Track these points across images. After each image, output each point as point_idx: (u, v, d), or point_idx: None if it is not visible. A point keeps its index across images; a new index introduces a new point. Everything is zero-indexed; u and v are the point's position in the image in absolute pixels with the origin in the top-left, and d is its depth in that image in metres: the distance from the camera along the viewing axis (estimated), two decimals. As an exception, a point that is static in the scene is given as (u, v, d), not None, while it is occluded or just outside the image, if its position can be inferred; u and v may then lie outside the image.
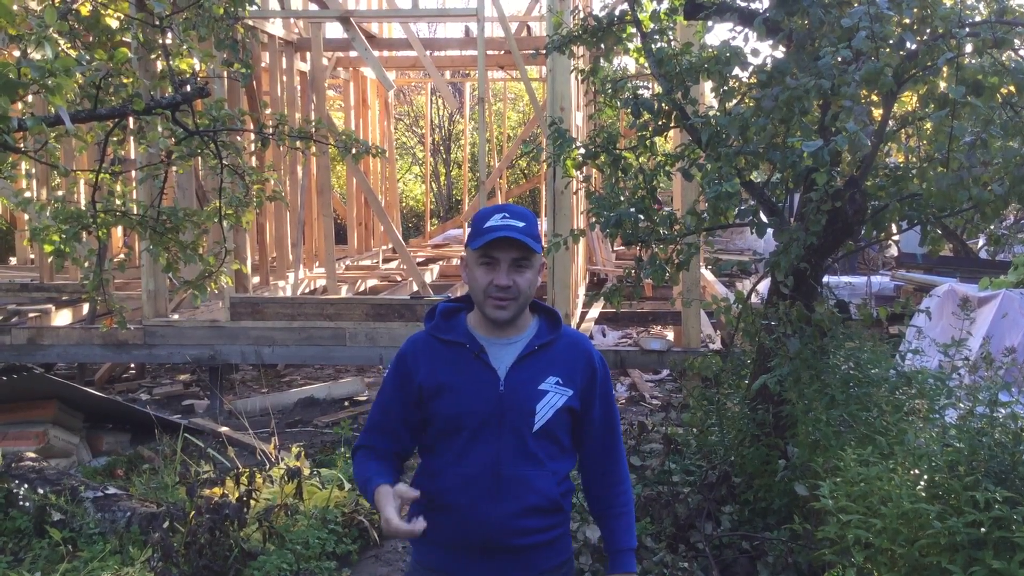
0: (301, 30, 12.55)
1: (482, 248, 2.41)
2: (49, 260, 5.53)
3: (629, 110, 6.00)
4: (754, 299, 6.35)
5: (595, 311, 10.56)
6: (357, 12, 10.66)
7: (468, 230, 2.56)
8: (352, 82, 15.36)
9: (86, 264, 5.58)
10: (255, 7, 7.80)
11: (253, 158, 8.99)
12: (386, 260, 16.12)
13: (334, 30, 15.42)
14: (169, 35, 4.59)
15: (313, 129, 5.65)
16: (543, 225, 11.93)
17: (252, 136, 7.22)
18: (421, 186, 26.87)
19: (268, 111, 11.06)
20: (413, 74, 22.99)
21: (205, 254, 5.87)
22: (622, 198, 6.06)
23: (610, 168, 6.06)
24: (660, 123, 5.99)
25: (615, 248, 16.14)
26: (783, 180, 5.68)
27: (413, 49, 12.67)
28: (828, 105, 5.06)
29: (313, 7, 12.25)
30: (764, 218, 5.42)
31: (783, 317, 4.84)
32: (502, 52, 13.82)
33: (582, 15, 6.55)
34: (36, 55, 2.52)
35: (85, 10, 4.01)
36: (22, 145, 3.31)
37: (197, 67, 4.70)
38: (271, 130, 5.23)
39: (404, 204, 25.93)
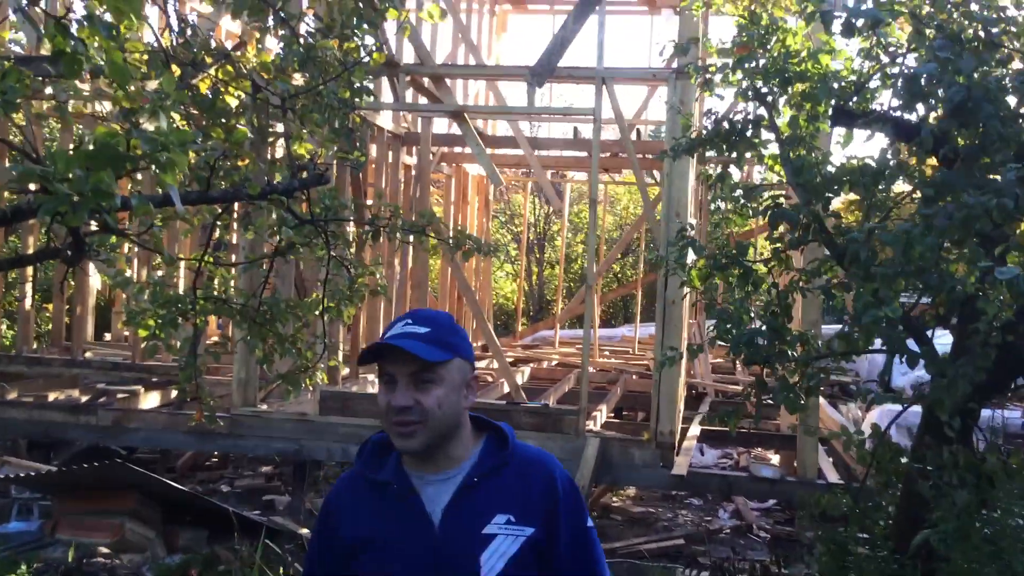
0: (409, 124, 12.54)
1: (380, 362, 1.95)
2: (143, 345, 5.25)
3: (763, 220, 5.58)
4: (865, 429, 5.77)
5: (695, 428, 9.95)
6: (471, 108, 10.56)
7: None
8: (454, 177, 15.32)
9: (180, 352, 5.31)
10: (371, 99, 7.67)
11: (352, 249, 8.78)
12: (476, 358, 15.76)
13: (441, 125, 15.48)
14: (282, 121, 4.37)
15: (425, 223, 5.34)
16: (633, 332, 11.43)
17: (356, 227, 6.98)
18: (512, 284, 26.68)
19: (370, 202, 10.95)
20: (511, 171, 23.10)
21: (302, 348, 5.55)
22: (751, 315, 5.58)
23: (740, 282, 5.59)
24: (797, 235, 5.54)
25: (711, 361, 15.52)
26: (935, 306, 5.15)
27: (516, 147, 12.55)
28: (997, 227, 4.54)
29: (422, 101, 12.25)
30: (914, 347, 4.88)
31: (948, 464, 4.23)
32: (609, 155, 13.60)
33: (710, 120, 6.18)
34: (149, 126, 2.22)
35: (204, 87, 3.81)
36: (125, 225, 3.03)
37: (312, 153, 4.46)
38: (384, 222, 4.93)
39: (495, 301, 25.73)
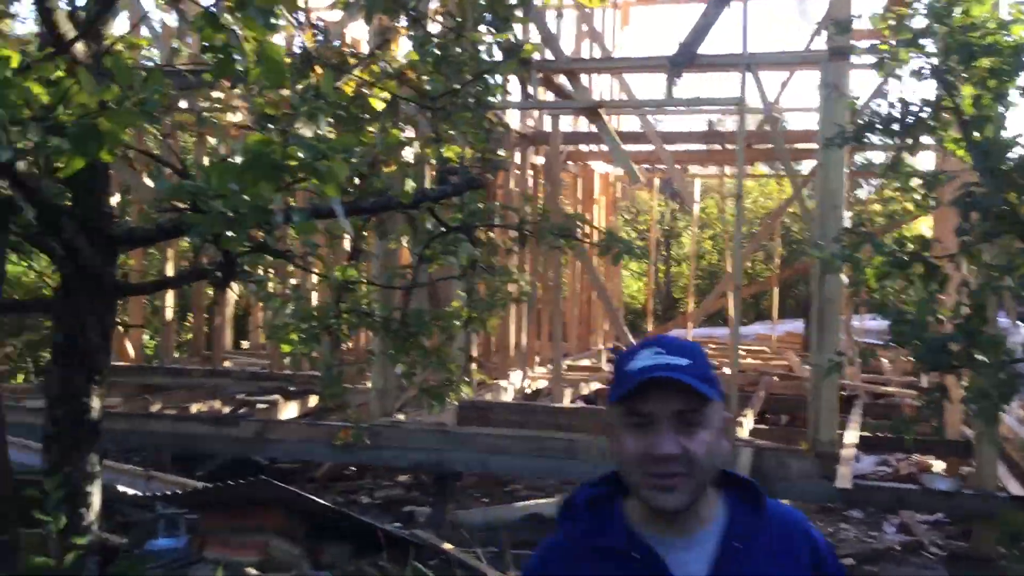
0: (535, 122, 12.25)
1: (629, 401, 1.59)
2: (286, 360, 5.08)
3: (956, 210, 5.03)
4: None
5: (852, 434, 9.30)
6: (608, 103, 10.16)
7: (611, 377, 1.71)
8: (580, 176, 14.96)
9: (323, 366, 5.14)
10: (505, 97, 7.40)
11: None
12: (609, 361, 15.35)
13: (565, 123, 15.15)
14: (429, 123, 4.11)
15: (573, 225, 5.00)
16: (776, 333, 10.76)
17: (498, 233, 6.69)
18: (637, 283, 26.15)
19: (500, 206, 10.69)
20: (636, 168, 22.61)
21: (447, 361, 5.30)
22: (937, 316, 5.04)
23: (923, 280, 5.06)
24: (988, 226, 4.97)
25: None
26: None
27: (643, 143, 12.10)
28: None
29: (548, 98, 11.94)
30: None
31: None
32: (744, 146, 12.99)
33: (876, 103, 5.64)
34: (306, 131, 1.94)
35: (349, 88, 3.57)
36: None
37: (460, 156, 4.19)
38: (530, 226, 4.62)
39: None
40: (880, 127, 5.40)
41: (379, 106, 3.54)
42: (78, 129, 1.60)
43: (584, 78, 12.59)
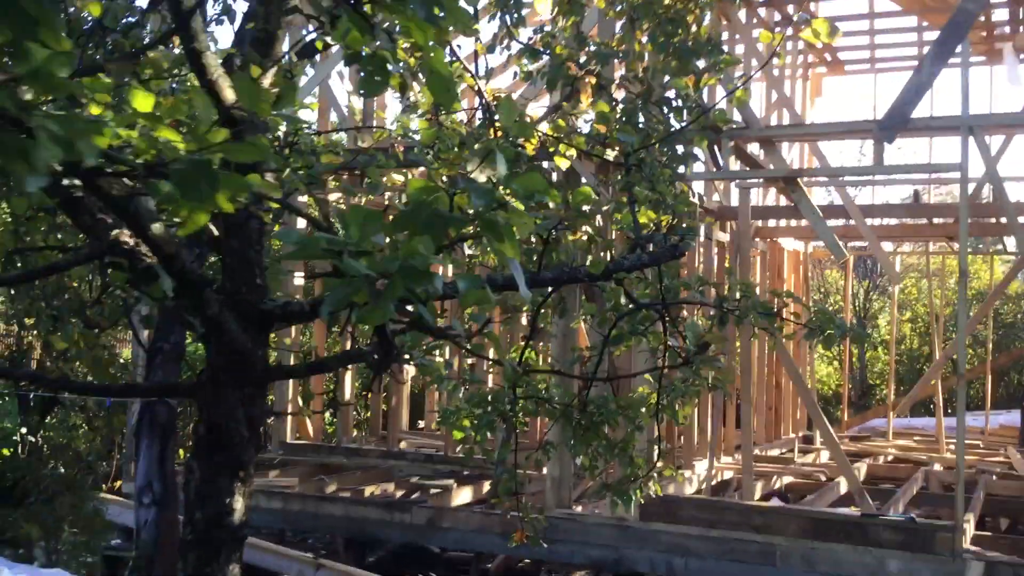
0: (722, 196, 11.64)
1: None
2: (458, 449, 4.67)
3: None
4: None
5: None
6: (807, 171, 9.44)
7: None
8: (769, 253, 14.14)
9: (499, 457, 4.69)
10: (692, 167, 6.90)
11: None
12: (801, 451, 14.23)
13: (754, 196, 14.43)
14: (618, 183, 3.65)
15: (782, 304, 4.39)
16: None
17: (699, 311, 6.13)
18: (828, 367, 24.59)
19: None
20: (821, 244, 21.36)
21: (634, 454, 4.74)
22: None
23: None
24: None
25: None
26: None
27: (838, 216, 11.23)
28: None
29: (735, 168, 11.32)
30: None
31: None
32: (953, 220, 11.89)
33: None
34: (480, 176, 1.51)
35: (531, 147, 3.18)
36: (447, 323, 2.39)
37: (655, 223, 3.70)
38: (734, 305, 4.05)
39: (811, 386, 23.80)
40: None
41: (564, 164, 3.13)
42: (186, 166, 1.25)
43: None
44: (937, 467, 13.06)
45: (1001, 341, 21.20)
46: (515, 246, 1.50)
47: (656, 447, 4.93)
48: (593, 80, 3.86)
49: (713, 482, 11.12)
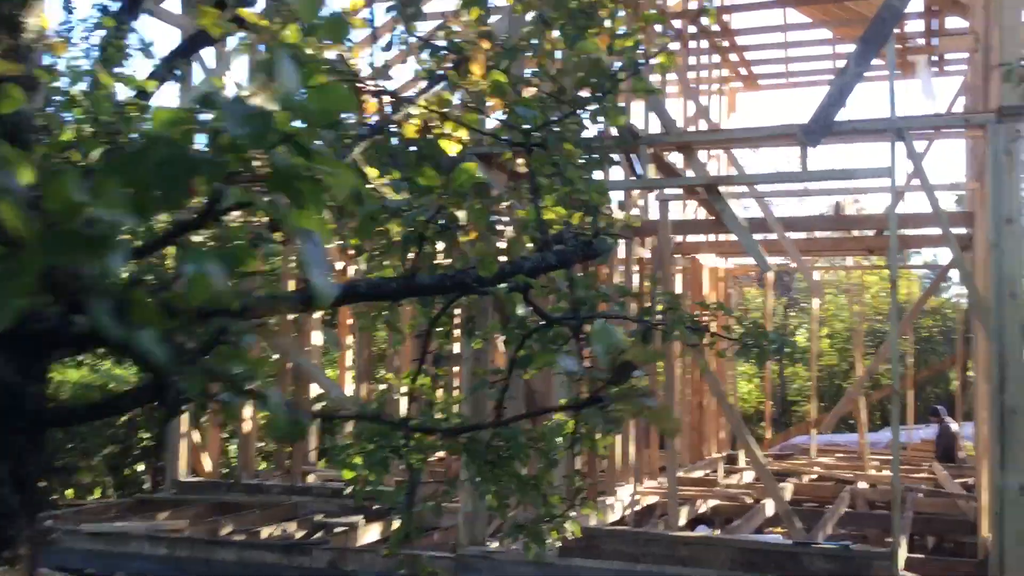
0: (640, 212, 11.24)
1: None
2: (348, 490, 4.04)
3: None
4: None
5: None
6: (729, 178, 9.02)
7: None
8: (689, 270, 13.79)
9: (394, 499, 4.08)
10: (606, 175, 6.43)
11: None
12: (725, 473, 13.85)
13: (674, 210, 14.09)
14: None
15: (711, 317, 3.87)
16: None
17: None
18: (748, 385, 24.48)
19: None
20: (743, 261, 21.22)
21: (547, 492, 4.17)
22: None
23: None
24: None
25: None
26: None
27: (763, 231, 10.93)
28: None
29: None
30: None
31: None
32: (875, 233, 11.69)
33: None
34: (264, 101, 0.91)
35: (411, 131, 2.59)
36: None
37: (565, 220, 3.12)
38: (658, 318, 3.51)
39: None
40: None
41: (453, 149, 2.57)
42: None
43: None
44: (862, 485, 12.82)
45: (920, 355, 21.32)
46: (319, 212, 0.92)
47: (574, 482, 4.37)
48: (488, 45, 3.29)
49: (637, 507, 10.63)
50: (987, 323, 6.47)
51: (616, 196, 9.45)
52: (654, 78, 10.89)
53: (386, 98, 2.92)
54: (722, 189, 7.90)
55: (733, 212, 7.13)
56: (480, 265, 1.99)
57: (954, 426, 14.69)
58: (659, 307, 3.74)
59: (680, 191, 9.34)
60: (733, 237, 14.10)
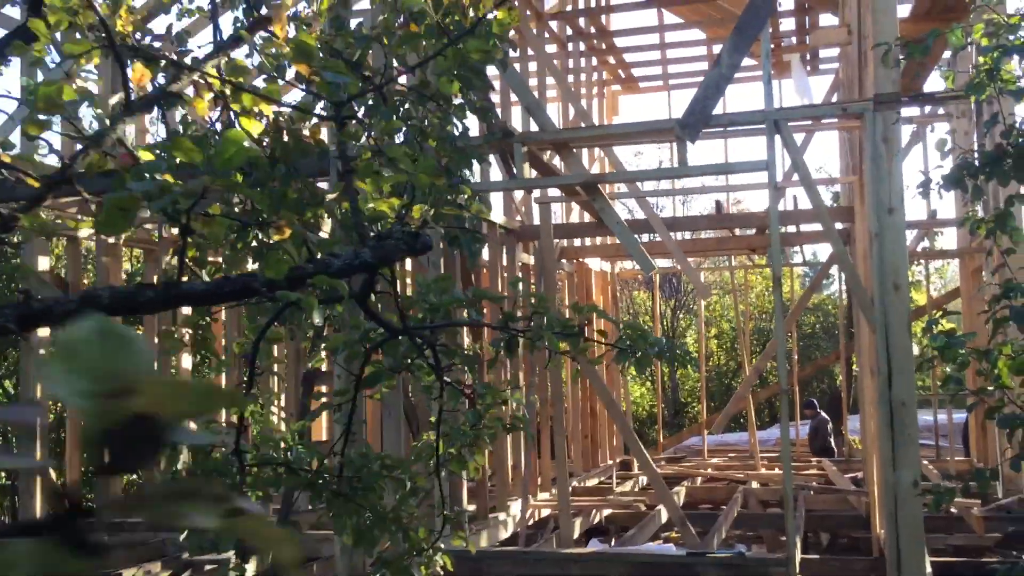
0: (523, 217, 10.90)
1: None
2: (182, 538, 3.50)
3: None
4: None
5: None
6: (608, 176, 8.68)
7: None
8: (576, 275, 13.52)
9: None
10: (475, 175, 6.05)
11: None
12: (617, 479, 13.62)
13: (560, 214, 13.83)
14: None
15: (583, 320, 3.50)
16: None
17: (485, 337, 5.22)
18: (640, 388, 24.51)
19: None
20: (630, 264, 21.17)
21: (410, 525, 3.73)
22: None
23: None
24: None
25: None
26: None
27: (647, 231, 10.73)
28: None
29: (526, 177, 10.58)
30: None
31: None
32: (755, 231, 11.65)
33: (987, 133, 4.25)
34: None
35: (201, 107, 2.13)
36: None
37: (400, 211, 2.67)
38: (525, 324, 3.11)
39: (624, 407, 23.58)
40: (993, 165, 3.98)
41: (255, 129, 2.11)
42: None
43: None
44: (755, 484, 12.76)
45: (804, 352, 21.65)
46: None
47: (442, 512, 3.93)
48: (290, 2, 2.83)
49: (531, 522, 10.26)
50: (870, 316, 6.32)
51: (496, 198, 9.10)
52: (533, 83, 10.58)
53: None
54: (604, 190, 7.61)
55: (614, 212, 6.82)
56: (268, 266, 1.54)
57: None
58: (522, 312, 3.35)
59: (560, 193, 9.02)
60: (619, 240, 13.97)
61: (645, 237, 11.10)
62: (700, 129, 6.38)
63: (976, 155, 4.10)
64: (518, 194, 10.68)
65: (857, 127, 7.07)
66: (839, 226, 11.06)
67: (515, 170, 6.65)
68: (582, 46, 14.12)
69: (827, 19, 12.56)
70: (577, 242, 13.13)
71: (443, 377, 3.20)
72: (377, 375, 3.11)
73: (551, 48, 13.90)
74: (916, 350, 6.13)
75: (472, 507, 9.49)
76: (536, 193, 9.47)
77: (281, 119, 2.52)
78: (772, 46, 14.34)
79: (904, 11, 8.56)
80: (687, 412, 23.38)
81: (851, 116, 6.42)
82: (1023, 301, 3.68)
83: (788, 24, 13.38)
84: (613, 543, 10.47)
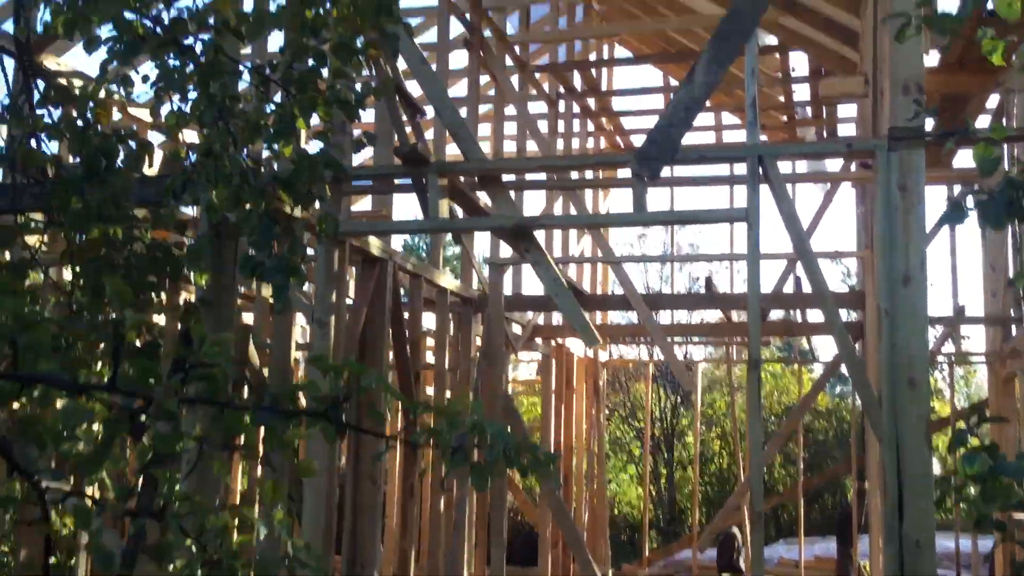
0: (484, 284, 9.39)
1: None
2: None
3: None
4: None
5: None
6: (542, 219, 6.94)
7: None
8: (555, 359, 11.89)
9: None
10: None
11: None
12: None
13: (533, 285, 12.32)
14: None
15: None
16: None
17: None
18: (638, 489, 22.60)
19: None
20: (627, 350, 19.53)
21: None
22: None
23: None
24: None
25: None
26: None
27: (629, 309, 9.19)
28: None
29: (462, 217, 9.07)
30: None
31: None
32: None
33: None
34: None
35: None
36: None
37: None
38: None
39: (617, 511, 21.64)
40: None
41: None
42: None
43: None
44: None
45: (813, 460, 19.84)
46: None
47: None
48: None
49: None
50: (878, 425, 4.74)
51: (400, 240, 7.60)
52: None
53: None
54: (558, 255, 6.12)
55: (551, 267, 5.31)
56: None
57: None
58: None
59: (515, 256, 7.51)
60: (612, 318, 12.35)
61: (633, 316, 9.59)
62: (664, 164, 4.92)
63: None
64: (480, 254, 9.21)
65: (871, 179, 5.60)
66: (850, 316, 9.53)
67: (429, 207, 5.19)
68: (576, 107, 12.80)
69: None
70: (557, 318, 11.54)
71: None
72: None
73: (540, 107, 12.62)
74: (937, 467, 4.51)
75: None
76: (484, 251, 7.95)
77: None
78: (785, 118, 13.02)
79: (933, 60, 7.11)
80: (684, 519, 21.43)
81: (859, 153, 4.94)
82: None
83: (802, 93, 12.00)
84: None
